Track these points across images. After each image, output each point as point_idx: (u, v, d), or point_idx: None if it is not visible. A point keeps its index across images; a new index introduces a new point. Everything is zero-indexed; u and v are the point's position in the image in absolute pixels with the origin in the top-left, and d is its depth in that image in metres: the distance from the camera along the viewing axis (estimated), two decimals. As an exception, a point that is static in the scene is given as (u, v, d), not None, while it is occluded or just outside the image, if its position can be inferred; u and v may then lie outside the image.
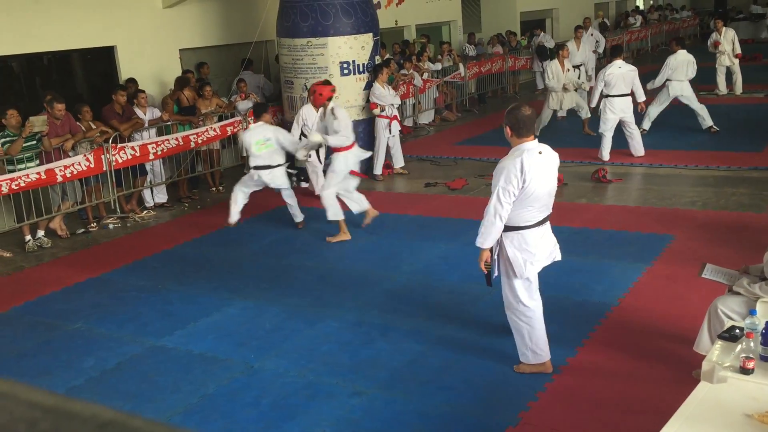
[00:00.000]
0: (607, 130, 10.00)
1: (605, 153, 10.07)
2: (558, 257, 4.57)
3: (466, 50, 16.31)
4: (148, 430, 0.28)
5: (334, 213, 7.51)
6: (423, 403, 4.35)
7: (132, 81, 9.75)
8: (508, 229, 4.34)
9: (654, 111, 11.28)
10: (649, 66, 19.97)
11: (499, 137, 12.40)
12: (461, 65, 14.75)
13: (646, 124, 11.29)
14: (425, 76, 13.57)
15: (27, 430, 0.27)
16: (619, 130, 10.07)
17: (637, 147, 10.12)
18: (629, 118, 9.93)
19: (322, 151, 9.02)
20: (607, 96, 9.89)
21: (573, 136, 11.83)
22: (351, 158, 7.63)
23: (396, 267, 6.68)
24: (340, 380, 4.68)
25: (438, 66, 14.36)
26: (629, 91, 9.91)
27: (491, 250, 4.46)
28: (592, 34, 16.19)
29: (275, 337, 5.37)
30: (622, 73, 9.86)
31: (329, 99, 7.63)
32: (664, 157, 10.07)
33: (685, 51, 11.18)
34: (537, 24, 19.20)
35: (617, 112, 9.88)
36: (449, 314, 5.54)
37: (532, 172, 4.20)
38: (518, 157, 4.22)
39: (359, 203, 7.77)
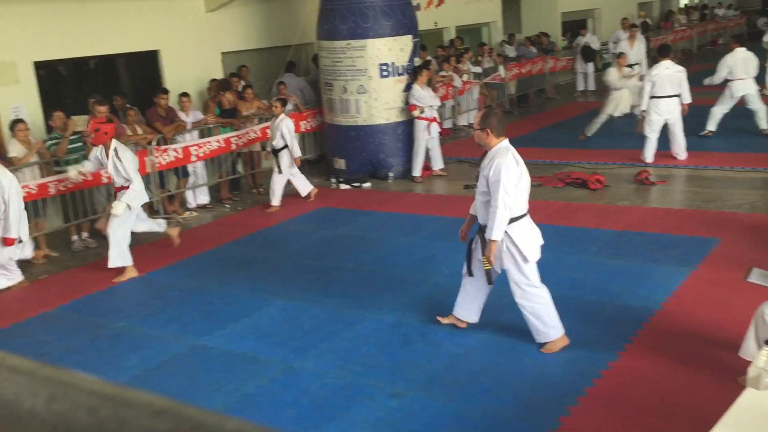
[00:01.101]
0: (651, 131, 9.82)
1: (648, 155, 9.90)
2: (541, 240, 4.93)
3: (506, 51, 16.21)
4: (200, 418, 0.29)
5: (119, 256, 7.06)
6: (462, 406, 4.33)
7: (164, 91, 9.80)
8: (511, 220, 4.71)
9: (717, 112, 11.08)
10: (694, 66, 19.57)
11: (540, 139, 12.31)
12: (501, 67, 14.66)
13: (712, 126, 11.08)
14: (465, 77, 13.52)
15: (87, 417, 0.29)
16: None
17: (680, 150, 9.91)
18: (675, 119, 9.73)
19: (285, 160, 9.14)
20: (653, 97, 9.71)
21: (614, 138, 11.67)
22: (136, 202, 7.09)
23: (435, 269, 6.66)
24: (378, 381, 4.69)
25: (478, 68, 14.29)
26: (676, 93, 9.70)
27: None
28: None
29: (314, 338, 5.41)
30: (669, 74, 9.66)
31: (112, 138, 6.97)
32: (711, 159, 9.86)
33: (744, 49, 10.99)
34: (579, 24, 18.97)
35: (663, 113, 9.69)
36: (488, 317, 5.50)
37: (522, 164, 4.73)
38: (508, 153, 4.72)
39: (158, 225, 7.58)
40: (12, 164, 7.62)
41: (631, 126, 11.73)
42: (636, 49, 13.60)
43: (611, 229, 7.35)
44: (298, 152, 9.26)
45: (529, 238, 4.79)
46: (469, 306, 5.24)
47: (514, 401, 4.35)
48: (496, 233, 4.66)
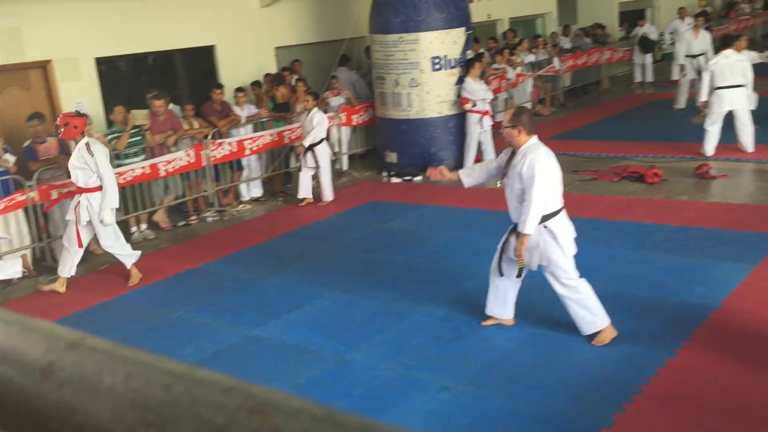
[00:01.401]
0: (711, 124, 9.53)
1: (709, 148, 9.61)
2: (574, 234, 4.96)
3: (561, 43, 15.95)
4: (266, 396, 0.30)
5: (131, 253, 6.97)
6: (513, 401, 4.30)
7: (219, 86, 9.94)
8: (549, 216, 4.76)
9: None
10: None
11: (596, 132, 12.08)
12: (556, 58, 14.44)
13: None
14: (519, 69, 13.36)
15: (162, 393, 0.31)
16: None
17: (746, 142, 9.57)
18: (740, 110, 9.39)
19: (324, 152, 9.05)
20: (715, 88, 9.40)
21: (674, 130, 11.38)
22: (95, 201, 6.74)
23: (486, 263, 6.59)
24: (429, 375, 4.69)
25: (531, 57, 14.09)
26: (740, 82, 9.35)
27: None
28: (689, 24, 15.50)
29: (366, 330, 5.44)
30: (730, 63, 9.35)
31: (82, 133, 6.63)
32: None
33: None
34: (637, 15, 18.52)
35: (724, 104, 9.38)
36: (540, 312, 5.45)
37: (554, 159, 4.79)
38: (541, 148, 4.76)
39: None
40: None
41: (690, 119, 11.43)
42: (700, 39, 13.19)
43: (669, 224, 7.17)
44: (308, 143, 9.02)
45: (568, 233, 4.85)
46: (501, 304, 5.24)
47: (567, 397, 4.30)
48: (529, 227, 4.69)
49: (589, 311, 4.86)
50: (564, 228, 4.83)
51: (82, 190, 6.68)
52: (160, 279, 7.03)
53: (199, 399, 0.31)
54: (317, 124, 9.03)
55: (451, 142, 10.37)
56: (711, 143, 9.59)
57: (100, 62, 9.46)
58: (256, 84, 10.59)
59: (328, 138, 10.88)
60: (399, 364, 4.88)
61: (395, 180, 10.23)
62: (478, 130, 10.13)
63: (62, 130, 6.57)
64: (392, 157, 10.51)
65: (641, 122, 12.39)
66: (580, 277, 4.88)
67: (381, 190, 9.84)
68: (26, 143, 7.74)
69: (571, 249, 4.85)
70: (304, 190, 9.23)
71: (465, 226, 7.76)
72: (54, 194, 7.49)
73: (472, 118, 10.10)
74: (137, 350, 0.37)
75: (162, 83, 10.05)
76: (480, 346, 5.05)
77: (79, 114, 6.83)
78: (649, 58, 16.39)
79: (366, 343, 5.24)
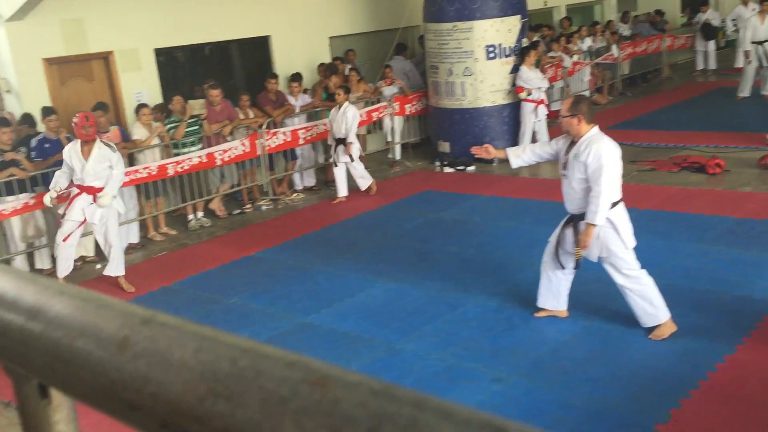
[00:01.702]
0: None
1: None
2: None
3: (620, 30, 15.58)
4: (326, 371, 0.32)
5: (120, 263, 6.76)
6: (566, 394, 4.26)
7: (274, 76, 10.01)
8: (611, 205, 4.67)
9: None
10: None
11: (655, 121, 11.78)
12: (614, 46, 14.12)
13: None
14: (575, 58, 13.12)
15: (229, 366, 0.33)
16: None
17: None
18: None
19: (355, 146, 8.86)
20: None
21: (737, 119, 11.02)
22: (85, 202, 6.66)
23: (539, 254, 6.54)
24: (480, 365, 4.68)
25: (587, 44, 13.79)
26: None
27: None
28: (753, 9, 14.95)
29: (417, 320, 5.46)
30: None
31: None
32: None
33: None
34: (699, 1, 17.94)
35: None
36: (595, 304, 5.37)
37: (618, 149, 4.71)
38: (605, 138, 4.70)
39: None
40: (135, 146, 8.09)
41: (755, 107, 11.05)
42: (767, 25, 12.70)
43: (730, 216, 6.97)
44: (352, 139, 8.95)
45: (628, 224, 4.77)
46: (554, 296, 5.18)
47: (621, 391, 4.23)
48: (599, 218, 4.62)
49: (649, 303, 4.77)
50: (625, 218, 4.76)
51: (95, 191, 6.56)
52: (216, 266, 7.18)
53: (264, 372, 0.33)
54: (352, 118, 8.95)
55: (505, 131, 10.27)
56: None
57: (159, 53, 9.68)
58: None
59: (380, 128, 10.92)
60: (450, 354, 4.88)
61: (448, 170, 10.20)
62: (533, 120, 10.00)
63: (91, 129, 6.50)
64: (445, 147, 10.48)
65: (703, 111, 12.03)
66: (638, 270, 4.79)
67: (433, 179, 9.83)
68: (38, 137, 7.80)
69: (632, 240, 4.77)
70: (342, 189, 9.08)
71: (518, 217, 7.69)
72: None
73: (527, 108, 9.97)
74: (205, 326, 0.39)
75: (218, 74, 10.23)
76: (532, 338, 5.01)
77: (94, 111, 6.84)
78: (711, 45, 15.88)
79: (417, 332, 5.26)
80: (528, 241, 6.93)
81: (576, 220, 4.84)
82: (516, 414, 4.10)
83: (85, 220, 6.68)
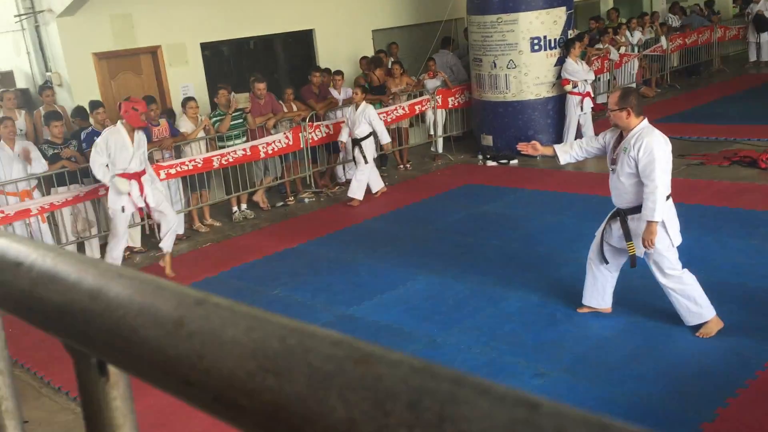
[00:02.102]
0: None
1: None
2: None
3: (670, 21, 15.25)
4: (369, 349, 0.34)
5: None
6: (609, 391, 4.22)
7: (325, 70, 10.08)
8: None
9: None
10: None
11: (706, 114, 11.52)
12: (663, 37, 13.83)
13: None
14: (623, 50, 12.89)
15: (278, 343, 0.35)
16: None
17: None
18: None
19: (370, 149, 8.75)
20: None
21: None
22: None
23: (584, 249, 6.45)
24: (522, 360, 4.66)
25: (636, 37, 13.53)
26: None
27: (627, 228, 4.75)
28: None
29: (458, 314, 5.46)
30: None
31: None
32: None
33: None
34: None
35: None
36: (640, 300, 5.29)
37: (669, 143, 4.62)
38: (655, 131, 4.60)
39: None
40: (183, 139, 8.24)
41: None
42: None
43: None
44: (387, 138, 9.00)
45: (676, 221, 4.69)
46: (599, 294, 5.11)
47: (667, 389, 4.17)
48: (658, 214, 4.52)
49: (693, 302, 4.69)
50: (673, 215, 4.67)
51: (139, 175, 6.73)
52: (259, 258, 7.28)
53: (311, 350, 0.35)
54: (376, 118, 8.83)
55: (549, 125, 10.16)
56: None
57: (205, 47, 9.83)
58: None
59: (423, 121, 10.88)
60: (492, 348, 4.87)
61: (491, 163, 10.14)
62: (578, 113, 9.88)
63: (145, 115, 6.70)
64: (488, 140, 10.41)
65: (755, 104, 11.71)
66: (683, 267, 4.71)
67: (476, 173, 9.78)
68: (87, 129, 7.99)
69: (678, 238, 4.69)
70: (377, 183, 9.00)
71: (561, 211, 7.61)
72: (162, 174, 7.87)
73: (572, 100, 9.85)
74: (255, 308, 0.41)
75: (262, 67, 10.35)
76: (575, 333, 4.96)
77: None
78: (764, 37, 15.42)
79: (458, 326, 5.26)
80: (571, 235, 6.86)
81: (623, 214, 4.76)
82: (557, 409, 4.08)
83: (140, 207, 6.87)
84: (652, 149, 4.48)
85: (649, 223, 4.56)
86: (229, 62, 10.62)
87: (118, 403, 0.49)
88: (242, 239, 8.07)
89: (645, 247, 4.65)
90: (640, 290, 5.46)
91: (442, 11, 11.57)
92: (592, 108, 10.18)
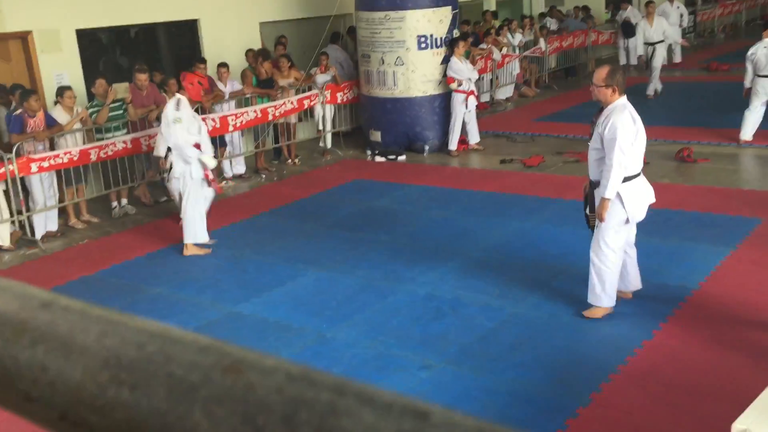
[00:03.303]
0: (748, 109, 9.35)
1: (745, 133, 9.35)
2: (653, 200, 4.93)
3: (548, 24, 15.91)
4: (241, 354, 0.30)
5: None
6: (492, 380, 4.34)
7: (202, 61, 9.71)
8: (625, 179, 4.70)
9: None
10: (742, 41, 18.92)
11: (580, 114, 12.10)
12: (542, 40, 14.41)
13: None
14: (504, 50, 13.33)
15: (136, 351, 0.31)
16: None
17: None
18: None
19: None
20: (757, 76, 9.21)
21: (652, 114, 11.43)
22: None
23: (469, 243, 6.65)
24: (409, 353, 4.72)
25: (518, 39, 14.04)
26: None
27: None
28: (678, 7, 15.55)
29: (347, 308, 5.46)
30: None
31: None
32: (755, 137, 9.61)
33: None
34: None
35: (761, 94, 9.19)
36: (522, 292, 5.49)
37: (638, 122, 4.70)
38: (626, 110, 4.68)
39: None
40: (59, 131, 7.76)
41: (664, 102, 11.47)
42: (655, 28, 13.15)
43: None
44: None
45: (638, 199, 4.79)
46: (621, 277, 5.08)
47: (546, 376, 4.35)
48: (609, 191, 4.66)
49: (601, 284, 4.87)
50: (634, 193, 4.75)
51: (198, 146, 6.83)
52: (141, 255, 6.99)
53: (173, 357, 0.31)
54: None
55: (436, 121, 10.35)
56: (748, 129, 9.34)
57: (81, 34, 9.30)
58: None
59: (312, 116, 10.79)
60: (380, 342, 4.90)
61: (379, 159, 10.21)
62: (463, 110, 10.12)
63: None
64: (377, 136, 10.48)
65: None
66: (614, 252, 4.82)
67: (365, 169, 9.83)
68: (16, 111, 7.49)
69: (637, 216, 4.81)
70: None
71: (448, 206, 7.78)
72: (33, 167, 7.39)
73: (458, 98, 10.08)
74: (111, 310, 0.37)
75: (144, 57, 9.92)
76: (461, 325, 5.08)
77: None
78: (632, 42, 16.40)
79: (347, 321, 5.26)
80: (458, 230, 7.02)
81: (592, 186, 4.90)
82: (444, 400, 4.16)
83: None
84: (616, 128, 4.59)
85: (603, 199, 4.70)
86: (108, 51, 10.11)
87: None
88: (122, 236, 7.71)
89: (597, 219, 4.81)
90: (522, 283, 5.67)
91: (331, 6, 11.52)
92: (476, 106, 10.46)
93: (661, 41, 13.07)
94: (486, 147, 10.35)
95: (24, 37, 8.75)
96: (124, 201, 8.52)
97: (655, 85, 13.01)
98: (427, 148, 10.33)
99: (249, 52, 10.48)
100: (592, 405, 4.01)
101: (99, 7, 9.28)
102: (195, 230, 6.82)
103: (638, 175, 4.80)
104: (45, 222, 7.67)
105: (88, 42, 9.56)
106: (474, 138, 10.40)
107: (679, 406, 3.96)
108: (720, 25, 21.38)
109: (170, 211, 8.46)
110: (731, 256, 5.90)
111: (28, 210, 7.61)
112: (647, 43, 13.07)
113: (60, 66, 8.96)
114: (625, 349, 4.57)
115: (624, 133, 4.59)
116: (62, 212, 8.04)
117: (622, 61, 16.45)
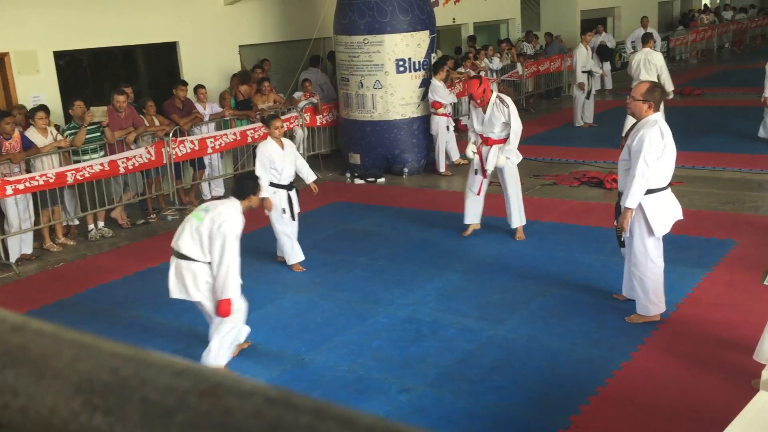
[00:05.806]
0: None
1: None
2: (680, 216, 5.08)
3: (524, 49, 16.14)
4: (218, 379, 0.30)
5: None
6: (472, 403, 4.33)
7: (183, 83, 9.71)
8: (649, 191, 4.83)
9: None
10: (715, 66, 19.38)
11: (557, 137, 12.22)
12: (519, 64, 14.60)
13: (762, 132, 10.64)
14: (483, 74, 13.46)
15: (110, 375, 0.30)
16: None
17: None
18: None
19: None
20: None
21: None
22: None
23: (449, 265, 6.66)
24: (389, 376, 4.69)
25: (496, 64, 14.23)
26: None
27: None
28: (651, 33, 15.83)
29: (326, 331, 5.42)
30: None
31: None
32: (728, 161, 9.77)
33: None
34: (598, 22, 18.82)
35: None
36: (501, 314, 5.49)
37: (667, 137, 4.81)
38: (656, 125, 4.79)
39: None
40: (36, 152, 7.67)
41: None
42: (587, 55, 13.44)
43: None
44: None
45: (662, 212, 4.90)
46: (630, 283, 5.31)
47: (525, 399, 4.34)
48: (630, 201, 4.79)
49: (646, 295, 5.04)
50: (658, 206, 4.87)
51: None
52: (117, 278, 6.91)
53: (148, 381, 0.30)
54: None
55: (415, 144, 10.41)
56: None
57: (59, 56, 9.26)
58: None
59: (292, 138, 10.80)
60: (359, 365, 4.87)
61: (358, 181, 10.23)
62: (446, 132, 10.21)
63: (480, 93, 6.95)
64: (356, 159, 10.51)
65: (601, 129, 12.60)
66: (652, 261, 5.00)
67: (344, 191, 9.83)
68: None
69: (661, 229, 4.91)
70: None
71: (428, 228, 7.79)
72: (8, 189, 7.30)
73: (442, 121, 10.17)
74: (85, 333, 0.36)
75: (123, 79, 9.88)
76: (441, 348, 5.06)
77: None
78: (607, 66, 16.67)
79: (326, 344, 5.22)
80: (437, 252, 7.03)
81: (619, 197, 5.04)
82: (424, 423, 4.13)
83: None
84: (643, 141, 4.73)
85: (624, 208, 4.84)
86: (87, 73, 10.07)
87: None
88: (99, 258, 7.62)
89: (618, 227, 4.99)
90: (498, 306, 5.67)
91: (310, 30, 11.60)
92: (454, 127, 10.56)
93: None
94: (465, 171, 10.38)
95: (1, 58, 8.69)
96: (101, 223, 8.43)
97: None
98: (406, 170, 10.37)
99: (234, 77, 10.53)
100: (572, 427, 4.00)
101: (77, 29, 9.25)
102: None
103: (664, 189, 4.92)
104: (20, 245, 7.56)
105: (66, 63, 9.51)
106: (455, 158, 10.50)
107: (658, 428, 3.97)
108: (693, 50, 21.81)
109: (148, 234, 8.38)
110: (707, 278, 5.96)
111: (2, 233, 7.50)
112: (584, 72, 13.21)
113: (37, 88, 8.90)
114: (604, 371, 4.58)
115: (650, 146, 4.72)
116: (37, 235, 7.94)
117: (597, 85, 16.72)
